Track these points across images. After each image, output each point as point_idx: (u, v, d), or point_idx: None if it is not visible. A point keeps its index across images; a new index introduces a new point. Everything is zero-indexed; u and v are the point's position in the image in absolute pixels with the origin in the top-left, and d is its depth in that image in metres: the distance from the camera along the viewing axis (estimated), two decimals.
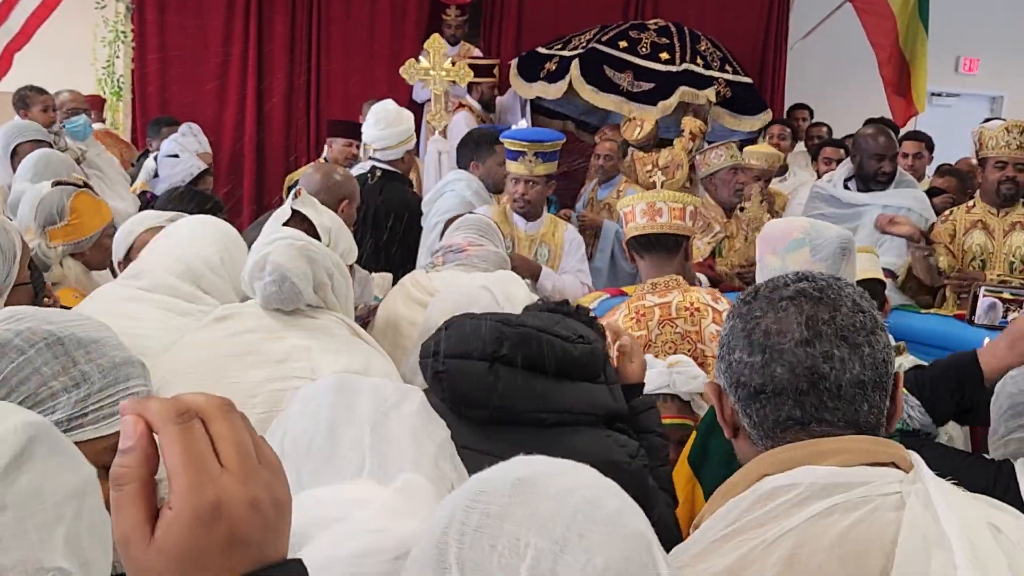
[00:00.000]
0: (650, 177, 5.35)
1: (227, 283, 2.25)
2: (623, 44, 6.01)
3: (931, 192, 4.84)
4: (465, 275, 2.51)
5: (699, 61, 6.00)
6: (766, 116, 6.27)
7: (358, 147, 4.85)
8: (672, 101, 5.76)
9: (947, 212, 4.08)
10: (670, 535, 1.46)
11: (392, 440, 1.06)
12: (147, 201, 4.48)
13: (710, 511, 1.14)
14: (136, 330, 1.84)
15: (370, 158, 4.33)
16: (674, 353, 2.59)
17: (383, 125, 4.20)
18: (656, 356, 2.49)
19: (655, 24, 6.23)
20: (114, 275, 2.58)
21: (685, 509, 2.02)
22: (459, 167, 4.22)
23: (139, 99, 6.45)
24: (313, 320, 1.98)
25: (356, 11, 6.70)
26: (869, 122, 5.84)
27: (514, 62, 6.40)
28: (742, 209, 4.61)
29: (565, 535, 0.73)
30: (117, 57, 6.41)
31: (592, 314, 1.93)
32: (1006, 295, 3.43)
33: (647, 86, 5.82)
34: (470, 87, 6.15)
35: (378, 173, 4.19)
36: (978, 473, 1.72)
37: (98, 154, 4.70)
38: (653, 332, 2.62)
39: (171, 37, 6.43)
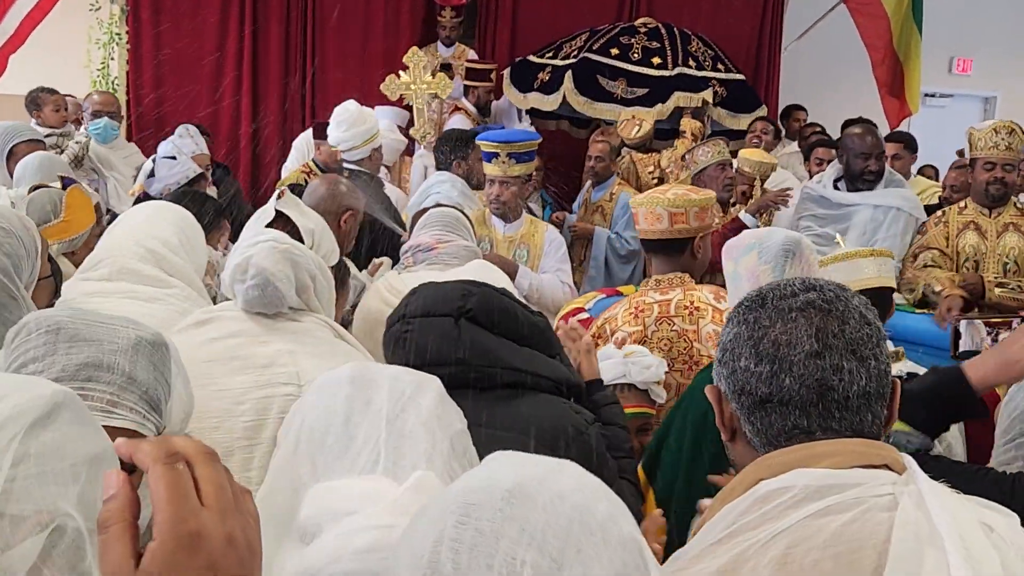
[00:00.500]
0: (652, 178, 5.36)
1: (189, 264, 2.25)
2: (614, 51, 6.02)
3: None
4: (440, 275, 2.51)
5: (691, 63, 6.01)
6: (762, 112, 6.29)
7: None
8: (668, 106, 5.79)
9: (939, 213, 4.08)
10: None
11: (407, 435, 1.07)
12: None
13: (709, 517, 1.15)
14: None
15: (340, 159, 4.32)
16: (669, 350, 2.62)
17: (346, 126, 4.20)
18: (651, 352, 2.49)
19: (644, 27, 6.22)
20: None
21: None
22: (439, 168, 4.22)
23: (133, 101, 6.43)
24: (296, 323, 1.97)
25: (350, 14, 6.68)
26: (849, 122, 5.85)
27: (507, 72, 6.40)
28: (734, 204, 4.63)
29: (562, 550, 0.74)
30: (112, 59, 6.41)
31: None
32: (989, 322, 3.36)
33: (641, 92, 5.85)
34: (466, 90, 6.14)
35: (346, 174, 4.17)
36: (990, 488, 1.70)
37: (126, 157, 4.67)
38: (649, 328, 2.64)
39: (166, 40, 6.41)
